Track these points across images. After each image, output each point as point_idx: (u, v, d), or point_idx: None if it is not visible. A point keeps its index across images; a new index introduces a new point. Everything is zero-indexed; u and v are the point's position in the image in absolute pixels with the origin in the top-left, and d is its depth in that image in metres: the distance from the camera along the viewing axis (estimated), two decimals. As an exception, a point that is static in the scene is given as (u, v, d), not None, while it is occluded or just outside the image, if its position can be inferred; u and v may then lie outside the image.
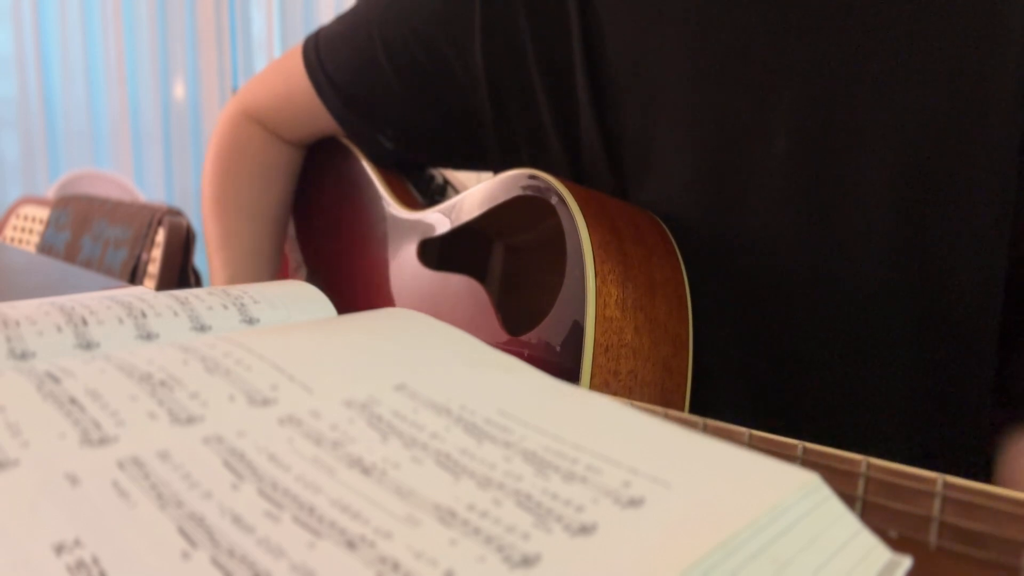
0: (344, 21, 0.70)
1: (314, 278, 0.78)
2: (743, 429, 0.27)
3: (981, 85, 0.44)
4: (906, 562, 0.19)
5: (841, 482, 0.25)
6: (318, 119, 0.73)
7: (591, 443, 0.22)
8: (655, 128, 0.53)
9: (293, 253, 0.82)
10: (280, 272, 0.81)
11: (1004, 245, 0.46)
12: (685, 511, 0.18)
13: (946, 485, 0.23)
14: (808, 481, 0.20)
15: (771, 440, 0.27)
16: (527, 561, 0.16)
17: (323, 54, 0.70)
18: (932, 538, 0.23)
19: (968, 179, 0.45)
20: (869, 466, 0.25)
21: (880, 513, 0.24)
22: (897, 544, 0.23)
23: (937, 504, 0.23)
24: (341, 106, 0.70)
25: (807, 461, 0.26)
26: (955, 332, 0.47)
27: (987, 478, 0.50)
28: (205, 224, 0.77)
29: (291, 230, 0.82)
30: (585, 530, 0.17)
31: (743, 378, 0.50)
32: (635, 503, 0.19)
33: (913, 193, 0.45)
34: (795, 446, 0.26)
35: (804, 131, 0.47)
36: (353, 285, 0.72)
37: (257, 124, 0.78)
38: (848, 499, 0.25)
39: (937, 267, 0.46)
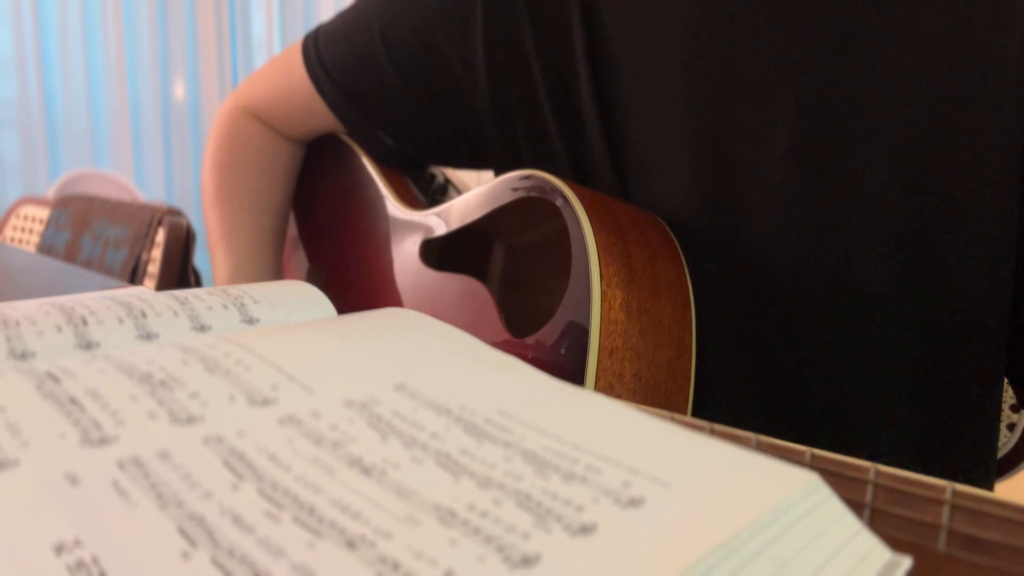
0: (344, 17, 0.70)
1: (315, 277, 0.78)
2: (750, 434, 0.27)
3: (983, 80, 0.44)
4: (906, 562, 0.19)
5: (849, 489, 0.25)
6: (317, 116, 0.73)
7: (591, 443, 0.22)
8: (656, 128, 0.52)
9: (295, 252, 0.82)
10: (281, 269, 0.81)
11: (1012, 240, 0.46)
12: (685, 511, 0.18)
13: (955, 493, 0.23)
14: (808, 481, 0.20)
15: (779, 446, 0.27)
16: (527, 561, 0.16)
17: (323, 50, 0.69)
18: (941, 546, 0.23)
19: (972, 175, 0.45)
20: (878, 473, 0.25)
21: (888, 520, 0.24)
22: (904, 549, 0.23)
23: (946, 512, 0.23)
24: (341, 102, 0.70)
25: (815, 467, 0.26)
26: (961, 329, 0.47)
27: (992, 474, 0.50)
28: (206, 217, 0.76)
29: (292, 229, 0.82)
30: (585, 530, 0.17)
31: (746, 379, 0.50)
32: (635, 503, 0.18)
33: (916, 190, 0.45)
34: (803, 452, 0.26)
35: (805, 130, 0.47)
36: (355, 285, 0.72)
37: (256, 119, 0.77)
38: (856, 506, 0.25)
39: (942, 264, 0.46)
